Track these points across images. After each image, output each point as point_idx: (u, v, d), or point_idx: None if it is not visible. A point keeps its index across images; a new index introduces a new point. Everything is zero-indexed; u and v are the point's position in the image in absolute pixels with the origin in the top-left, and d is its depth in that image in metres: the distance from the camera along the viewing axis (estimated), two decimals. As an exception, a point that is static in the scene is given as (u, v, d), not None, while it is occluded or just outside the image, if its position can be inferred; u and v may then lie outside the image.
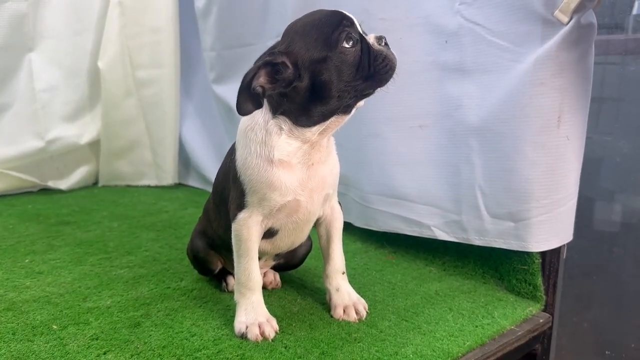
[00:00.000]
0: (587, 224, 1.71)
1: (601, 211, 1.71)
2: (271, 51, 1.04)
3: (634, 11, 1.72)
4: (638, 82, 1.63)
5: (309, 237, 1.34)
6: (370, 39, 1.03)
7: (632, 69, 1.63)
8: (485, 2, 1.31)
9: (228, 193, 1.16)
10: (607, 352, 1.73)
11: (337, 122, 1.08)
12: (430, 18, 1.43)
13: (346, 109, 1.06)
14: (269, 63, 1.00)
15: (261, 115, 1.08)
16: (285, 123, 1.06)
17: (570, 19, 1.17)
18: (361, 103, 1.08)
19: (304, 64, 1.01)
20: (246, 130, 1.11)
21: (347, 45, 1.00)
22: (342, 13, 1.03)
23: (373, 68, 1.02)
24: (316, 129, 1.06)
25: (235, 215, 1.11)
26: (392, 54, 1.04)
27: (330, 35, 1.00)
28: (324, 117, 1.05)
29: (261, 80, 1.00)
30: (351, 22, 1.03)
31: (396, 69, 1.04)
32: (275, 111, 1.06)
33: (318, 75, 1.01)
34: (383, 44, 1.03)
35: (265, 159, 1.06)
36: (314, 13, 1.06)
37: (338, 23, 1.01)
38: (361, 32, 1.04)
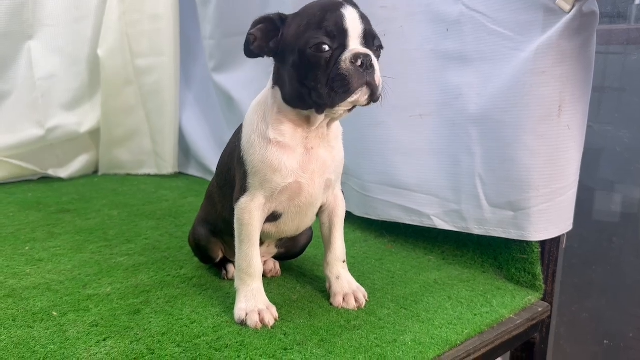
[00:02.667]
0: (586, 213, 1.71)
1: (601, 201, 1.71)
2: (281, 15, 1.07)
3: (637, 1, 1.71)
4: (639, 72, 1.63)
5: (310, 227, 1.34)
6: (348, 54, 0.97)
7: (634, 58, 1.63)
8: (487, -10, 1.30)
9: (233, 174, 1.16)
10: (605, 342, 1.73)
11: (316, 118, 1.07)
12: (432, 6, 1.42)
13: (318, 108, 1.04)
14: (269, 20, 1.05)
15: (268, 90, 1.11)
16: (277, 94, 1.08)
17: (573, 7, 1.16)
18: (339, 112, 1.05)
19: (284, 40, 1.04)
20: (254, 106, 1.14)
21: (312, 51, 0.99)
22: (336, 16, 0.99)
23: (330, 85, 0.98)
24: (297, 112, 1.07)
25: (237, 199, 1.12)
26: (361, 77, 0.97)
27: (306, 32, 1.00)
28: (299, 103, 1.05)
29: (256, 30, 1.06)
30: (341, 32, 0.98)
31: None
32: (274, 81, 1.09)
33: (287, 58, 1.03)
34: (358, 64, 0.97)
35: (265, 137, 1.09)
36: (323, 2, 1.03)
37: (319, 22, 0.99)
38: (350, 41, 0.99)
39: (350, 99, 0.99)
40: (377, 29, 1.49)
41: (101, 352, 0.99)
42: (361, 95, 0.99)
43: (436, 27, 1.42)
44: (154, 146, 2.62)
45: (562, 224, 1.32)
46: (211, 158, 2.53)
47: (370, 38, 1.02)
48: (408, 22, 1.47)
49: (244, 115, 2.18)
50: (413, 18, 1.46)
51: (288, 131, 1.08)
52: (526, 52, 1.25)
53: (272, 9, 2.04)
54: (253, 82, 2.06)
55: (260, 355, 0.98)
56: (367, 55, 0.98)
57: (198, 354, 0.99)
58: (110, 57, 2.45)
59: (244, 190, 1.12)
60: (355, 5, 1.04)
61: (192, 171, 2.70)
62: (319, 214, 1.23)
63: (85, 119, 2.55)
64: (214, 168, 2.45)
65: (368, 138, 1.61)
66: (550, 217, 1.30)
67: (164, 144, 2.60)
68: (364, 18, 1.02)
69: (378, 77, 1.00)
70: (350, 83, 0.97)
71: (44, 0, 2.36)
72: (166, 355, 0.98)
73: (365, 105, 1.03)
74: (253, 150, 1.10)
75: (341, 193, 1.24)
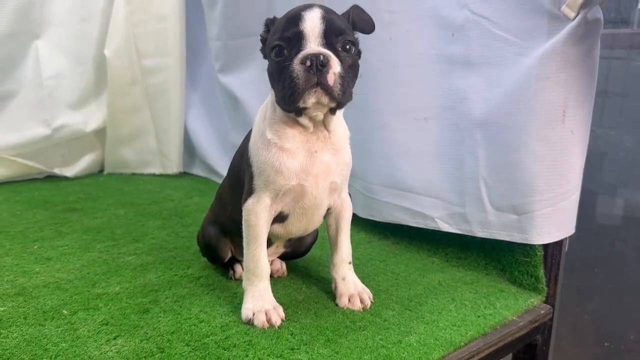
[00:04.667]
0: (589, 217, 1.72)
1: (603, 205, 1.73)
2: (271, 19, 1.13)
3: (639, 5, 1.72)
4: (643, 77, 1.64)
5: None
6: (299, 56, 0.98)
7: (637, 63, 1.64)
8: (492, -5, 1.32)
9: (243, 175, 1.18)
10: (606, 344, 1.75)
11: (303, 120, 1.08)
12: (437, 11, 1.44)
13: (296, 112, 1.06)
14: (265, 24, 1.12)
15: (270, 93, 1.13)
16: (272, 96, 1.11)
17: (577, 14, 1.17)
18: (320, 116, 1.07)
19: (265, 45, 1.09)
20: (260, 109, 1.16)
21: (272, 55, 1.03)
22: (295, 19, 1.01)
23: (285, 88, 1.00)
24: (287, 114, 1.09)
25: (245, 201, 1.14)
26: (310, 78, 0.97)
27: (272, 37, 1.05)
28: (282, 106, 1.07)
29: (263, 32, 1.13)
30: (298, 35, 1.00)
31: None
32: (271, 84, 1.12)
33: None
34: (307, 64, 0.97)
35: (265, 139, 1.11)
36: (296, 7, 1.05)
37: (283, 28, 1.03)
38: (307, 43, 1.00)
39: (302, 102, 1.00)
40: (383, 33, 1.52)
41: (112, 351, 1.00)
42: (315, 96, 0.99)
43: (442, 31, 1.44)
44: (159, 146, 2.64)
45: (564, 227, 1.33)
46: (216, 158, 2.54)
47: (333, 36, 1.01)
48: (414, 27, 1.49)
49: (248, 116, 2.21)
50: (419, 22, 1.48)
51: (287, 133, 1.10)
52: (531, 57, 1.26)
53: (277, 12, 2.06)
54: (258, 84, 2.07)
55: (268, 355, 1.00)
56: (316, 55, 0.97)
57: (207, 352, 1.00)
58: (116, 57, 2.46)
59: (250, 191, 1.14)
60: (322, 7, 1.04)
61: (197, 171, 2.71)
62: (326, 216, 1.25)
63: (91, 118, 2.56)
64: (218, 168, 2.49)
65: (373, 140, 1.63)
66: (553, 221, 1.31)
67: (169, 144, 2.62)
68: (326, 18, 1.01)
69: (332, 77, 0.98)
70: (297, 85, 0.98)
71: (52, 0, 2.38)
72: (176, 353, 1.00)
73: (333, 106, 1.04)
74: (258, 152, 1.12)
75: (348, 196, 1.26)
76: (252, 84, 2.16)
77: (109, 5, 2.45)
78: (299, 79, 0.98)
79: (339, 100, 1.01)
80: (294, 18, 1.02)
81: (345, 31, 1.03)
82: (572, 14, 1.18)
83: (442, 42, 1.44)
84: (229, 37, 2.25)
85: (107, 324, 1.10)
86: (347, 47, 1.04)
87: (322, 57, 0.97)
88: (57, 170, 2.52)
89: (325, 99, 1.00)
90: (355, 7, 1.13)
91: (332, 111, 1.08)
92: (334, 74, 0.98)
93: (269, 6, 2.01)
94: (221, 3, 2.21)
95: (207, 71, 2.57)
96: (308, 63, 0.97)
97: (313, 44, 1.00)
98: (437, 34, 1.45)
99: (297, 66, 0.98)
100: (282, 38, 1.02)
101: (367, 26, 1.13)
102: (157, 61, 2.50)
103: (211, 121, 2.61)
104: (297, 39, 1.01)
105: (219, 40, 2.30)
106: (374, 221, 1.72)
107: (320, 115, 1.08)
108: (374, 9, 1.51)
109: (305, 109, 1.03)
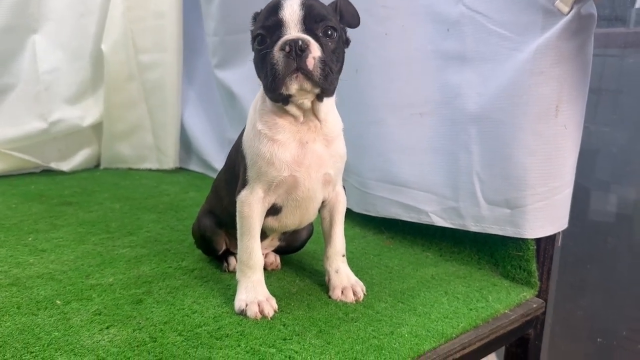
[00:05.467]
0: (582, 213, 1.74)
1: (597, 201, 1.74)
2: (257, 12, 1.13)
3: (637, 4, 1.72)
4: (636, 74, 1.65)
5: (311, 222, 1.36)
6: (279, 43, 0.99)
7: (631, 61, 1.65)
8: (487, -9, 1.32)
9: (239, 168, 1.18)
10: (598, 340, 1.76)
11: (291, 109, 1.08)
12: (432, 6, 1.44)
13: (282, 100, 1.06)
14: (253, 17, 1.13)
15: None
16: (262, 88, 1.11)
17: (571, 9, 1.18)
18: (307, 104, 1.07)
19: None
20: (254, 101, 1.17)
21: (255, 44, 1.05)
22: (275, 7, 1.02)
23: (267, 76, 1.01)
24: (276, 105, 1.09)
25: (238, 193, 1.14)
26: (290, 63, 0.98)
27: (254, 28, 1.07)
28: (268, 93, 1.06)
29: (251, 24, 1.12)
30: (277, 22, 1.01)
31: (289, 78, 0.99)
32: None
33: None
34: (287, 50, 0.98)
35: (256, 130, 1.11)
36: None
37: (264, 17, 1.04)
38: (287, 30, 1.01)
39: (285, 89, 1.00)
40: (378, 28, 1.53)
41: (104, 340, 1.01)
42: (297, 82, 1.00)
43: (437, 26, 1.44)
44: (155, 141, 2.64)
45: (557, 222, 1.34)
46: (212, 154, 2.55)
47: (313, 22, 1.02)
48: (409, 22, 1.49)
49: (245, 112, 2.21)
50: (414, 18, 1.48)
51: (277, 124, 1.10)
52: (525, 52, 1.27)
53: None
54: (255, 79, 2.06)
55: (260, 345, 1.01)
56: (295, 41, 0.97)
57: (199, 342, 1.01)
58: (113, 52, 2.47)
59: (244, 183, 1.14)
60: None
61: (193, 166, 2.72)
62: (320, 210, 1.25)
63: (88, 113, 2.57)
64: (215, 164, 2.50)
65: (368, 135, 1.63)
66: (546, 215, 1.32)
67: (166, 139, 2.62)
68: (306, 5, 1.02)
69: (311, 61, 0.98)
70: (277, 71, 0.99)
71: (50, -5, 2.38)
72: (168, 343, 1.00)
73: (317, 92, 1.04)
74: (250, 143, 1.13)
75: (342, 190, 1.26)
76: (249, 79, 2.16)
77: (107, 1, 2.45)
78: (278, 65, 0.99)
79: (321, 85, 1.01)
80: (274, 7, 1.03)
81: (326, 17, 1.03)
82: (565, 9, 1.19)
83: (437, 37, 1.45)
84: (226, 33, 2.25)
85: (100, 314, 1.11)
86: (329, 32, 1.04)
87: (300, 42, 0.97)
88: (53, 165, 2.52)
89: (307, 85, 1.01)
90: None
91: (319, 98, 1.07)
92: (314, 58, 0.99)
93: (266, 1, 2.01)
94: (218, -2, 2.22)
95: (204, 67, 2.57)
96: (287, 49, 0.98)
97: (293, 31, 1.01)
98: (432, 29, 1.46)
99: (277, 53, 0.99)
100: (263, 27, 1.03)
101: (353, 20, 1.14)
102: (154, 57, 2.50)
103: (208, 117, 2.61)
104: (277, 27, 1.02)
105: (216, 35, 2.30)
106: (369, 216, 1.73)
107: (307, 103, 1.07)
108: (370, 4, 1.53)
109: (290, 96, 1.03)
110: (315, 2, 1.05)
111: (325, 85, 1.02)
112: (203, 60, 2.57)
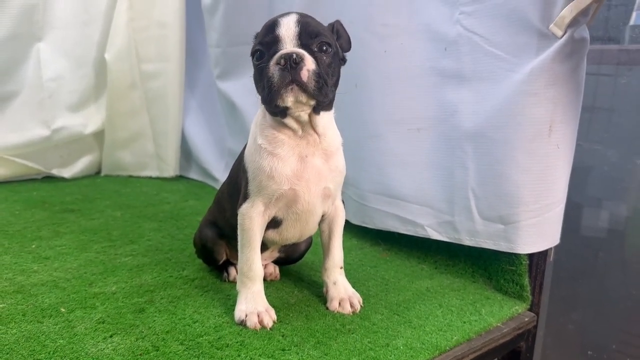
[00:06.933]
0: (574, 229, 1.77)
1: (588, 217, 1.77)
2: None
3: (631, 22, 1.76)
4: (629, 94, 1.69)
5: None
6: (275, 57, 1.03)
7: (623, 81, 1.69)
8: (484, 12, 1.36)
9: (241, 182, 1.21)
10: (589, 353, 1.79)
11: (290, 123, 1.12)
12: (431, 26, 1.48)
13: (280, 114, 1.10)
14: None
15: None
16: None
17: (565, 32, 1.22)
18: (304, 116, 1.10)
19: None
20: (256, 116, 1.20)
21: (254, 60, 1.10)
22: (273, 25, 1.07)
23: (264, 89, 1.06)
24: (275, 119, 1.12)
25: (239, 206, 1.18)
26: (285, 76, 1.02)
27: (254, 44, 1.11)
28: (266, 106, 1.11)
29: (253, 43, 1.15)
30: (274, 39, 1.05)
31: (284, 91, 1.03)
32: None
33: None
34: (282, 64, 1.02)
35: (257, 144, 1.15)
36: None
37: (262, 34, 1.09)
38: (283, 45, 1.05)
39: (281, 101, 1.05)
40: (378, 45, 1.57)
41: (108, 348, 1.04)
42: (292, 94, 1.04)
43: (435, 45, 1.48)
44: (156, 149, 2.68)
45: (549, 238, 1.37)
46: (212, 163, 2.58)
47: (308, 38, 1.06)
48: (408, 40, 1.53)
49: (245, 123, 2.25)
50: (413, 36, 1.52)
51: (277, 138, 1.13)
52: (520, 73, 1.30)
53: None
54: (256, 91, 2.11)
55: (260, 355, 1.04)
56: (289, 54, 1.01)
57: (200, 352, 1.04)
58: (117, 61, 2.50)
59: (245, 196, 1.17)
60: (299, 14, 1.09)
61: (193, 175, 2.75)
62: (319, 223, 1.28)
63: (90, 120, 2.60)
64: (214, 172, 2.53)
65: (367, 149, 1.67)
66: (538, 231, 1.35)
67: (167, 148, 2.66)
68: (301, 22, 1.07)
69: (305, 74, 1.02)
70: (273, 84, 1.03)
71: (54, 3, 2.42)
72: (170, 352, 1.03)
73: (313, 104, 1.08)
74: (251, 158, 1.17)
75: (341, 204, 1.29)
76: (249, 91, 2.17)
77: (111, 10, 2.49)
78: (274, 78, 1.03)
79: (315, 96, 1.05)
80: (272, 24, 1.08)
81: (321, 33, 1.08)
82: (559, 33, 1.23)
83: (435, 56, 1.48)
84: (229, 44, 2.29)
85: (103, 322, 1.14)
86: (324, 47, 1.08)
87: (294, 55, 1.02)
88: (55, 171, 2.55)
89: (302, 97, 1.05)
90: (339, 22, 1.19)
91: (316, 110, 1.11)
92: (308, 70, 1.03)
93: (269, 14, 2.05)
94: (221, 11, 2.25)
95: (205, 77, 2.61)
96: (282, 62, 1.02)
97: (289, 46, 1.05)
98: (430, 47, 1.49)
99: (272, 66, 1.03)
100: (261, 43, 1.08)
101: (346, 44, 1.19)
102: (157, 66, 2.54)
103: (208, 126, 2.65)
104: (274, 43, 1.06)
105: (219, 47, 2.34)
106: (366, 228, 1.76)
107: (304, 116, 1.11)
108: (370, 22, 1.58)
109: (287, 108, 1.07)
110: (311, 20, 1.10)
111: (320, 97, 1.06)
112: (205, 71, 2.61)
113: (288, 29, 1.06)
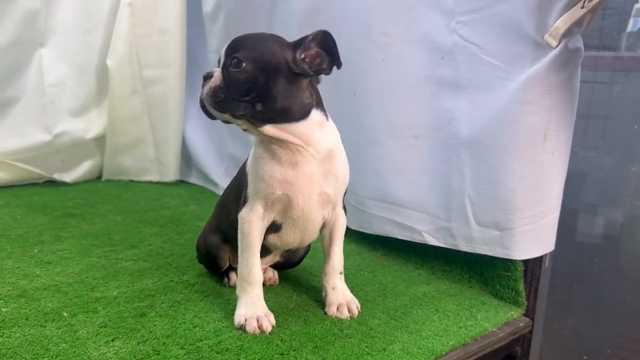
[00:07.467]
0: (570, 235, 1.79)
1: (584, 223, 1.79)
2: None
3: (629, 29, 1.78)
4: (623, 102, 1.71)
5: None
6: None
7: (618, 89, 1.71)
8: (480, 23, 1.38)
9: (243, 188, 1.24)
10: (585, 357, 1.80)
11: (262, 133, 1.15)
12: (428, 35, 1.50)
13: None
14: None
15: None
16: None
17: (559, 43, 1.24)
18: (245, 128, 1.15)
19: None
20: None
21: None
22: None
23: None
24: (258, 128, 1.14)
25: (239, 210, 1.20)
26: (203, 92, 1.11)
27: None
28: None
29: None
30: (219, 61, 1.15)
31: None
32: None
33: None
34: (202, 82, 1.12)
35: (257, 152, 1.19)
36: None
37: None
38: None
39: (207, 113, 1.13)
40: (376, 53, 1.59)
41: (110, 352, 1.05)
42: (202, 108, 1.13)
43: (432, 54, 1.50)
44: (157, 154, 2.69)
45: (544, 244, 1.40)
46: (212, 168, 2.60)
47: (227, 57, 1.11)
48: (406, 49, 1.55)
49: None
50: (411, 45, 1.54)
51: (271, 148, 1.17)
52: (515, 82, 1.32)
53: (277, 29, 2.13)
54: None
55: (259, 359, 1.06)
56: (205, 75, 1.12)
57: (200, 356, 1.06)
58: (118, 67, 2.52)
59: (245, 201, 1.20)
60: (238, 38, 1.14)
61: (193, 180, 2.76)
62: (321, 229, 1.29)
63: (91, 125, 2.61)
64: (214, 177, 2.55)
65: (366, 155, 1.69)
66: (533, 238, 1.37)
67: (167, 153, 2.67)
68: (229, 46, 1.12)
69: (206, 90, 1.10)
70: (200, 99, 1.13)
71: (57, 9, 2.43)
72: (171, 356, 1.05)
73: (242, 117, 1.11)
74: (250, 164, 1.21)
75: (343, 210, 1.30)
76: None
77: (113, 17, 2.51)
78: (200, 95, 1.13)
79: (216, 109, 1.10)
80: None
81: (237, 50, 1.09)
82: (554, 43, 1.25)
83: (432, 64, 1.51)
84: (229, 51, 2.31)
85: (105, 327, 1.15)
86: (234, 62, 1.08)
87: (205, 74, 1.12)
88: (56, 176, 2.56)
89: (212, 111, 1.12)
90: (321, 33, 1.12)
91: (253, 123, 1.12)
92: (209, 87, 1.10)
93: (269, 22, 2.08)
94: (222, 18, 2.28)
95: (206, 83, 2.62)
96: (203, 81, 1.13)
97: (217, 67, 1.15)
98: (428, 56, 1.52)
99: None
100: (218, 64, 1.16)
101: (335, 60, 1.12)
102: (158, 72, 2.56)
103: (209, 131, 2.66)
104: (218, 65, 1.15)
105: (219, 53, 2.36)
106: (365, 233, 1.78)
107: (244, 127, 1.15)
108: (369, 31, 1.60)
109: (226, 121, 1.14)
110: (240, 39, 1.13)
111: (216, 108, 1.10)
112: (205, 77, 2.62)
113: (222, 52, 1.13)
